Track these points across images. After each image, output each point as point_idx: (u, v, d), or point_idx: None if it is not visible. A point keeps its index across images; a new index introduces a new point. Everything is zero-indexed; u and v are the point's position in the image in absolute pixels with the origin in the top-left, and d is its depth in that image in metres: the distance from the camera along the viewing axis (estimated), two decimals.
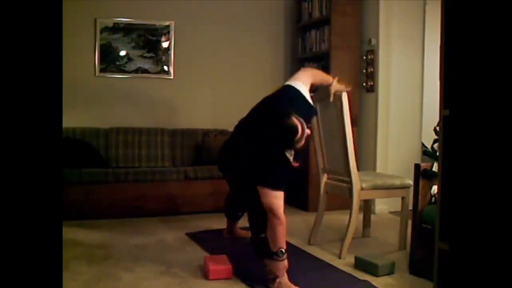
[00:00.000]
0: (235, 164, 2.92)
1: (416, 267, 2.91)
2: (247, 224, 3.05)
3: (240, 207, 3.52)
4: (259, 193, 2.65)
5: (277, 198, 2.63)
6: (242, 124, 2.98)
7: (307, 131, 2.64)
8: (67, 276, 2.73)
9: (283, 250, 2.64)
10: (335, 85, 3.22)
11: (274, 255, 2.63)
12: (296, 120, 2.57)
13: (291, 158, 2.74)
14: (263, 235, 2.73)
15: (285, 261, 2.66)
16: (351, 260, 3.13)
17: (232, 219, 3.66)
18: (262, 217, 2.68)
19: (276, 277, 2.65)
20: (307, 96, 2.94)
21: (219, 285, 2.73)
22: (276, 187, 2.64)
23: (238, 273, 2.85)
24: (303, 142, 2.66)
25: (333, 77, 3.27)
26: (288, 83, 3.00)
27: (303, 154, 4.38)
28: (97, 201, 4.25)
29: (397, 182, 3.43)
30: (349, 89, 3.26)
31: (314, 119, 3.56)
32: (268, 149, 2.71)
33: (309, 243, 3.59)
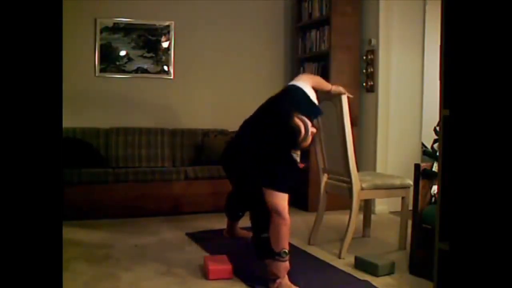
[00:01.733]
0: (239, 164, 2.93)
1: (416, 267, 2.91)
2: (247, 224, 3.05)
3: (241, 206, 3.52)
4: (265, 193, 2.65)
5: (282, 199, 2.64)
6: (247, 124, 2.99)
7: (312, 130, 2.65)
8: (67, 276, 2.73)
9: (286, 251, 2.64)
10: (335, 90, 3.23)
11: (277, 255, 2.63)
12: (298, 121, 2.58)
13: (298, 159, 2.75)
14: (266, 235, 2.72)
15: (287, 262, 2.65)
16: (351, 260, 3.13)
17: (233, 219, 3.66)
18: (265, 217, 2.68)
19: (276, 277, 2.64)
20: (311, 95, 2.95)
21: (219, 285, 2.73)
22: (283, 190, 2.65)
23: (238, 273, 2.85)
24: (309, 141, 2.67)
25: (332, 84, 3.29)
26: (291, 83, 3.01)
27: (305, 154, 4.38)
28: (97, 201, 4.25)
29: (397, 182, 3.43)
30: (351, 95, 3.29)
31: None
32: (273, 150, 2.71)
33: (309, 243, 3.59)
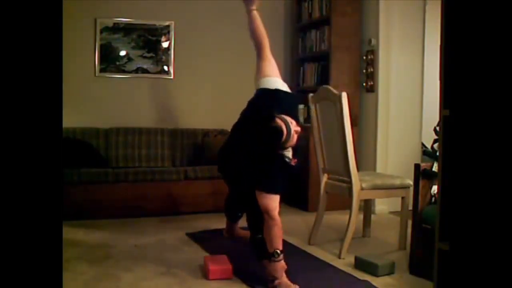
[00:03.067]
0: (233, 164, 2.94)
1: (416, 267, 2.91)
2: (247, 224, 3.05)
3: (240, 207, 3.52)
4: (256, 194, 2.66)
5: (272, 200, 2.64)
6: (236, 127, 3.03)
7: (296, 129, 2.62)
8: (67, 276, 2.73)
9: (279, 251, 2.64)
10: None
11: (271, 256, 2.64)
12: (279, 121, 2.57)
13: (289, 155, 2.73)
14: (261, 236, 2.73)
15: (282, 262, 2.66)
16: (351, 260, 3.13)
17: (232, 219, 3.66)
18: (260, 218, 2.68)
19: (275, 278, 2.65)
20: (283, 87, 2.97)
21: (219, 285, 2.73)
22: (272, 191, 2.65)
23: (238, 273, 2.85)
24: (294, 140, 2.64)
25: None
26: (260, 86, 3.04)
27: (302, 152, 4.38)
28: (97, 201, 4.25)
29: (397, 182, 3.43)
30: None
31: (314, 119, 3.56)
32: (261, 152, 2.71)
33: (309, 243, 3.59)
